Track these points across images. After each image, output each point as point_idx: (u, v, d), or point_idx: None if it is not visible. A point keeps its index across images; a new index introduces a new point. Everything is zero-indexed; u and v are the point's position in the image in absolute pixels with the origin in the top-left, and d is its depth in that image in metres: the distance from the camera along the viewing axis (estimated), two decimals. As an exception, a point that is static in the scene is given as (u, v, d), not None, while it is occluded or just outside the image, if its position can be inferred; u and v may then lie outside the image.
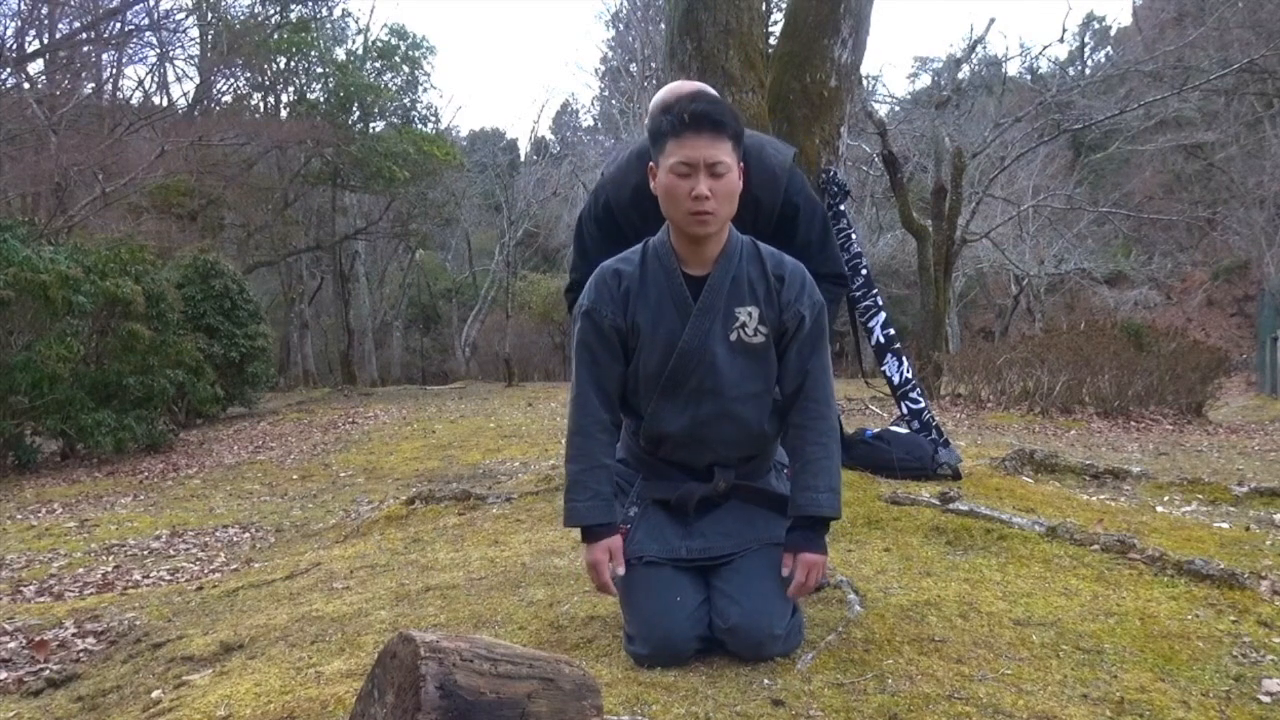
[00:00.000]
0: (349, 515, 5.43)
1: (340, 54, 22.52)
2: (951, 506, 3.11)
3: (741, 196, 2.19)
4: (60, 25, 16.68)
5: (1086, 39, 31.88)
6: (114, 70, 18.67)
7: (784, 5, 12.25)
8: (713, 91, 2.53)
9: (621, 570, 2.00)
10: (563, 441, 2.16)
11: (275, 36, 20.16)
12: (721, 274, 2.01)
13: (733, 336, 2.01)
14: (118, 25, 17.17)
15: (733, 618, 1.94)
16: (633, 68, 23.24)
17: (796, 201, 2.55)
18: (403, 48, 22.47)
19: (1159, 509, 3.70)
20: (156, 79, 21.34)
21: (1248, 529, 3.26)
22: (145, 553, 4.87)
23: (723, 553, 2.05)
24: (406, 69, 22.57)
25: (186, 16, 19.36)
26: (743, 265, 2.03)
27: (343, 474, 7.65)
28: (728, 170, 1.96)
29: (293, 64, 21.33)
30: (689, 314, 2.01)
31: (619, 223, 2.59)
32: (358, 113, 21.27)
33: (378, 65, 22.53)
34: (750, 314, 2.01)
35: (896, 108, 20.03)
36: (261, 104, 22.09)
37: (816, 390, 2.03)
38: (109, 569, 4.44)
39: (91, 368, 9.23)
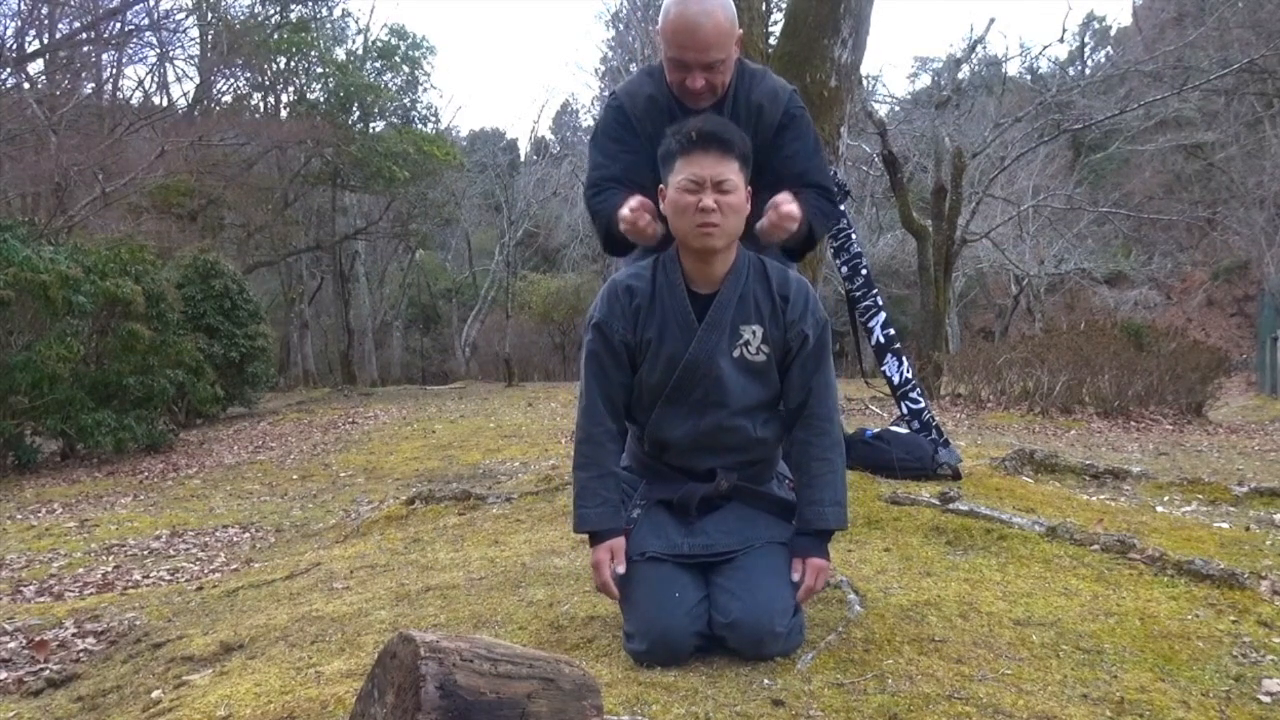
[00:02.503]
0: (349, 515, 5.43)
1: (340, 54, 22.55)
2: (951, 506, 3.11)
3: (746, 104, 2.34)
4: (60, 25, 16.69)
5: (1086, 39, 31.89)
6: (114, 70, 18.69)
7: (784, 5, 12.24)
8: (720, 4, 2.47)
9: (622, 569, 2.04)
10: (564, 442, 2.18)
11: (275, 36, 20.16)
12: (729, 292, 2.07)
13: (735, 353, 2.06)
14: (118, 25, 17.18)
15: (734, 613, 1.96)
16: (633, 68, 23.23)
17: (794, 112, 2.59)
18: (403, 48, 22.49)
19: (1159, 509, 3.70)
20: (156, 79, 21.38)
21: (1248, 529, 3.26)
22: (145, 553, 4.87)
23: (725, 550, 2.07)
24: (406, 69, 22.59)
25: (186, 16, 19.39)
26: (749, 284, 2.09)
27: (343, 474, 7.65)
28: (734, 188, 2.03)
29: (293, 64, 21.34)
30: (693, 331, 2.06)
31: (635, 129, 2.57)
32: (358, 113, 21.29)
33: (378, 65, 22.55)
34: (754, 333, 2.07)
35: (896, 108, 20.04)
36: (261, 104, 22.11)
37: (819, 406, 2.09)
38: (109, 569, 4.44)
39: (91, 368, 9.23)
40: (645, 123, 2.53)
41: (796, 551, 2.06)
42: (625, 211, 2.26)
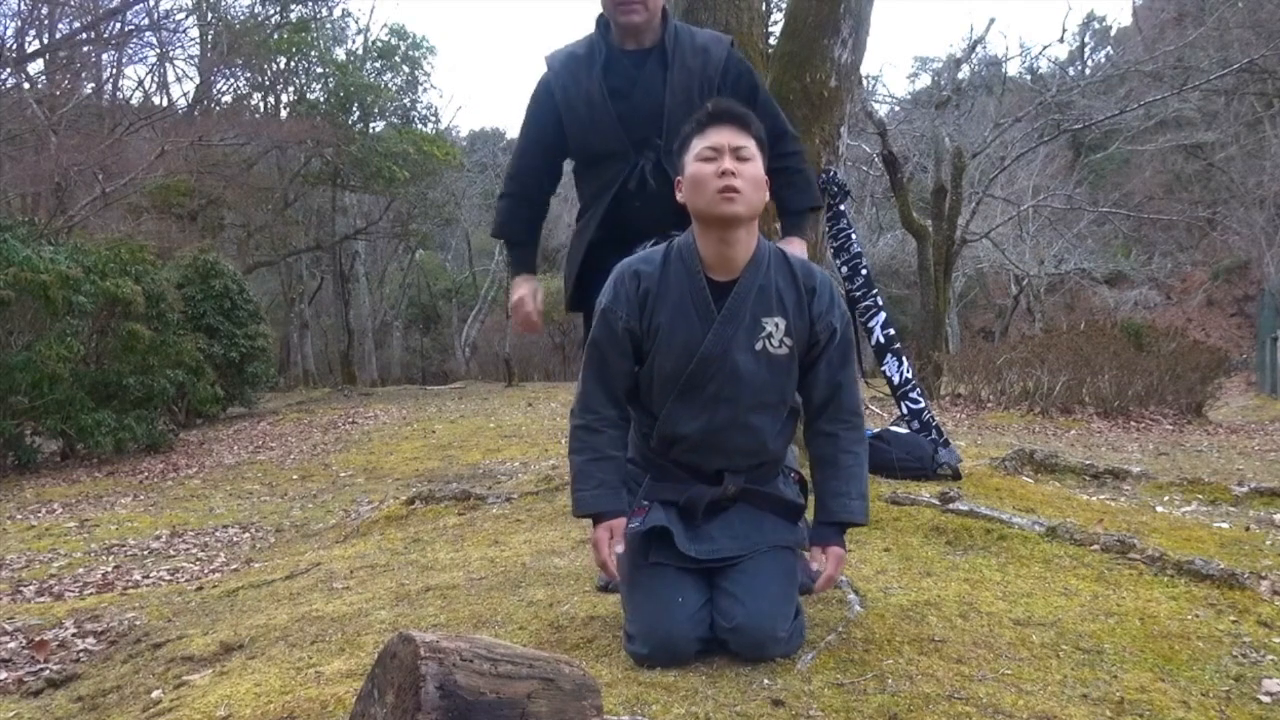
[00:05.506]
0: (349, 515, 5.43)
1: (340, 54, 22.51)
2: (951, 506, 3.11)
3: (691, 45, 2.51)
4: (60, 25, 16.66)
5: (1086, 39, 31.86)
6: (114, 70, 18.66)
7: (784, 5, 12.23)
8: None
9: (620, 548, 2.03)
10: (563, 441, 2.16)
11: (275, 36, 20.14)
12: (749, 281, 2.02)
13: (758, 346, 2.02)
14: (118, 25, 17.14)
15: (737, 618, 1.95)
16: (633, 68, 23.18)
17: (744, 66, 2.67)
18: (403, 48, 22.46)
19: (1159, 509, 3.70)
20: (156, 79, 21.35)
21: (1248, 529, 3.26)
22: (145, 553, 4.87)
23: (730, 555, 2.06)
24: (406, 69, 22.55)
25: (186, 16, 19.35)
26: (771, 274, 2.04)
27: (343, 474, 7.65)
28: (753, 157, 2.00)
29: (293, 64, 21.32)
30: (711, 319, 2.01)
31: (554, 97, 2.64)
32: (358, 113, 21.25)
33: (378, 65, 22.51)
34: (777, 325, 2.02)
35: (896, 108, 20.04)
36: (261, 104, 22.06)
37: (849, 400, 2.08)
38: (109, 569, 4.44)
39: (91, 368, 9.22)
40: (562, 73, 2.64)
41: (816, 541, 2.06)
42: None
